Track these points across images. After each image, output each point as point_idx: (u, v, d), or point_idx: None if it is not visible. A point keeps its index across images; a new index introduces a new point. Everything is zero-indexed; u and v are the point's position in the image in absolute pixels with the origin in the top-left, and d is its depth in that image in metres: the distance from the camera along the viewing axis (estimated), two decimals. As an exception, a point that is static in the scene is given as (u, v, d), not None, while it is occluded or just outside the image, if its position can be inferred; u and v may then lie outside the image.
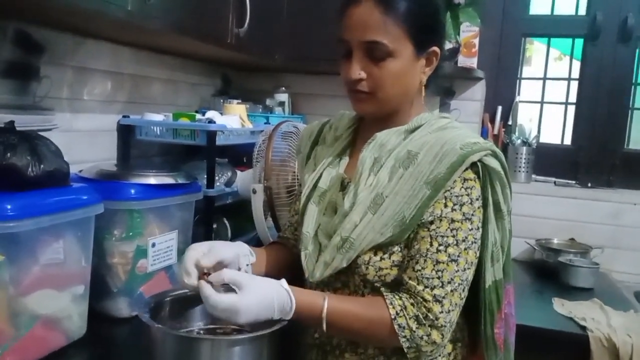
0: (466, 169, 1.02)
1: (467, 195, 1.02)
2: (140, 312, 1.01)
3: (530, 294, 2.02)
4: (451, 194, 1.02)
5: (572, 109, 2.53)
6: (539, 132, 2.57)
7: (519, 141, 2.47)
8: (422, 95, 1.14)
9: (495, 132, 2.51)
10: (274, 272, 1.18)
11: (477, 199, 1.03)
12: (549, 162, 2.49)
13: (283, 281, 1.00)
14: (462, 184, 1.02)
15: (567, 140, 2.55)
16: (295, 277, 1.06)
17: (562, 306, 1.85)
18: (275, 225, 1.68)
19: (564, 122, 2.55)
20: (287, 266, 1.24)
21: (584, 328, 1.67)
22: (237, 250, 1.11)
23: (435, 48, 1.09)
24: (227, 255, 1.07)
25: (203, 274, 1.01)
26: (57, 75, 1.53)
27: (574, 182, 2.43)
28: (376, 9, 1.02)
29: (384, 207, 1.03)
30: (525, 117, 2.57)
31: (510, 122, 2.52)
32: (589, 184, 2.40)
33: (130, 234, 1.35)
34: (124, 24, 1.40)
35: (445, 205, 1.01)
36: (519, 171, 2.43)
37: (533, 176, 2.47)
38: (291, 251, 1.29)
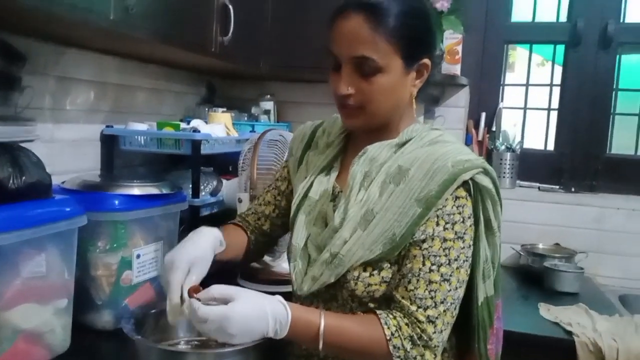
0: (458, 187, 1.01)
1: (459, 213, 1.01)
2: (124, 324, 1.00)
3: (516, 300, 2.03)
4: (443, 212, 1.01)
5: (554, 115, 2.56)
6: (522, 137, 2.59)
7: (503, 147, 2.49)
8: (412, 106, 1.12)
9: (480, 138, 2.53)
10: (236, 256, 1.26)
11: (468, 217, 1.02)
12: (533, 167, 2.51)
13: (278, 296, 0.97)
14: (454, 202, 1.01)
15: (550, 146, 2.57)
16: (247, 260, 1.16)
17: (548, 311, 1.86)
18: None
19: (547, 127, 2.58)
20: (245, 250, 1.29)
21: (570, 333, 1.68)
22: (212, 247, 1.10)
23: (426, 60, 1.07)
24: (208, 263, 1.07)
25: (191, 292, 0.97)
26: (39, 85, 1.51)
27: (557, 187, 2.46)
28: (366, 24, 1.00)
29: (374, 223, 1.02)
30: (509, 123, 2.59)
31: (494, 128, 2.54)
32: (573, 189, 2.42)
33: (115, 245, 1.33)
34: (107, 33, 1.39)
35: (437, 224, 1.01)
36: (504, 177, 2.45)
37: (517, 182, 2.49)
38: (249, 237, 1.31)
